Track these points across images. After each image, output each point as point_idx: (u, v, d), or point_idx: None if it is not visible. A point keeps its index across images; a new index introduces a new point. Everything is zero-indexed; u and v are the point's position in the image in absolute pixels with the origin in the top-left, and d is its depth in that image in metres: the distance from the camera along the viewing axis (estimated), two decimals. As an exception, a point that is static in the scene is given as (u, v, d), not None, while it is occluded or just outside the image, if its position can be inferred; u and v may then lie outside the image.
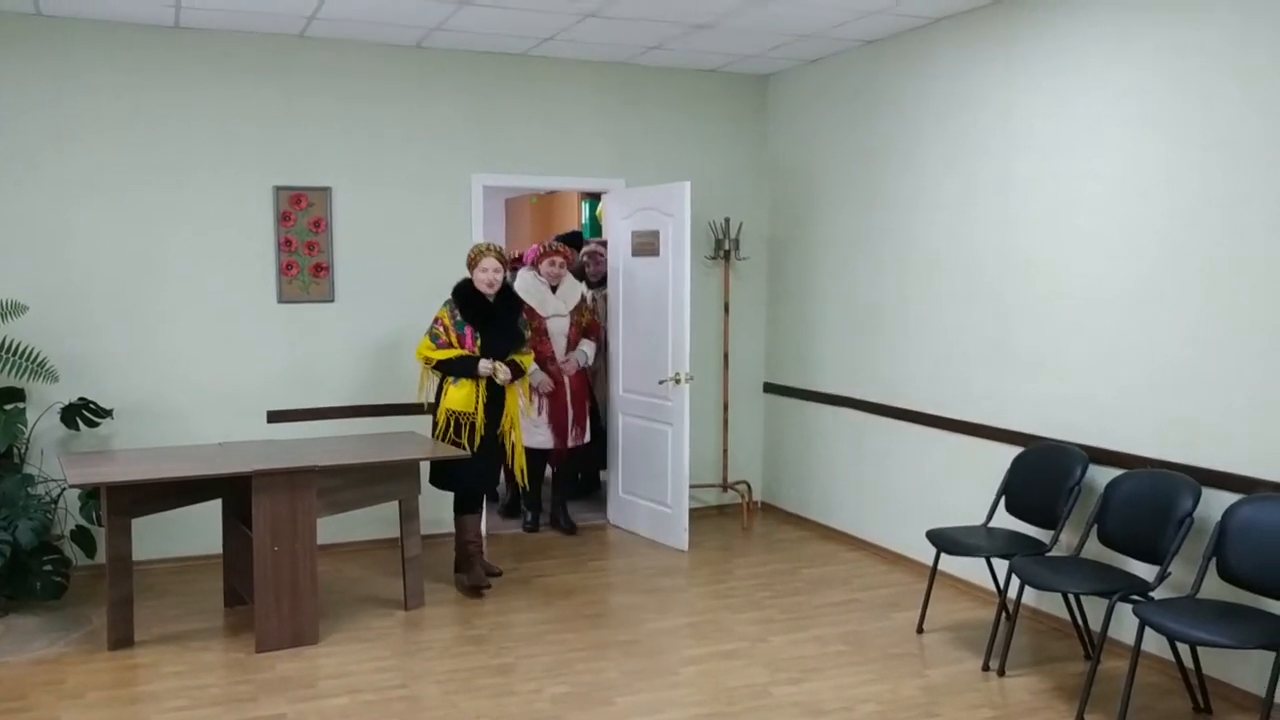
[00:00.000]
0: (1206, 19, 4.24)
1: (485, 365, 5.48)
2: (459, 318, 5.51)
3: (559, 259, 6.58)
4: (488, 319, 5.53)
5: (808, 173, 6.89)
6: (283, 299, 6.23)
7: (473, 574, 5.59)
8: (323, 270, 6.29)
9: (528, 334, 5.81)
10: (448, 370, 5.51)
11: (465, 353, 5.49)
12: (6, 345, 5.42)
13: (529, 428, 6.32)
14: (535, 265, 6.58)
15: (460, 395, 5.49)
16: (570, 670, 4.55)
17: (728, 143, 7.24)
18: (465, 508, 5.69)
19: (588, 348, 6.68)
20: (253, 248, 6.15)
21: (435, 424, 5.61)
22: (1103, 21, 4.71)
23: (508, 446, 5.71)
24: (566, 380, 6.55)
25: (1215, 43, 4.21)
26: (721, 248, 7.09)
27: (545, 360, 6.42)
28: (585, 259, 7.32)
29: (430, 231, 6.48)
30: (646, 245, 6.53)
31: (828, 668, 4.59)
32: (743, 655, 4.75)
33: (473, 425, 5.49)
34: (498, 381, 5.52)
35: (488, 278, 5.50)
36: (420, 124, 6.45)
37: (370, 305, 6.39)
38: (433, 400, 5.66)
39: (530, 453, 6.27)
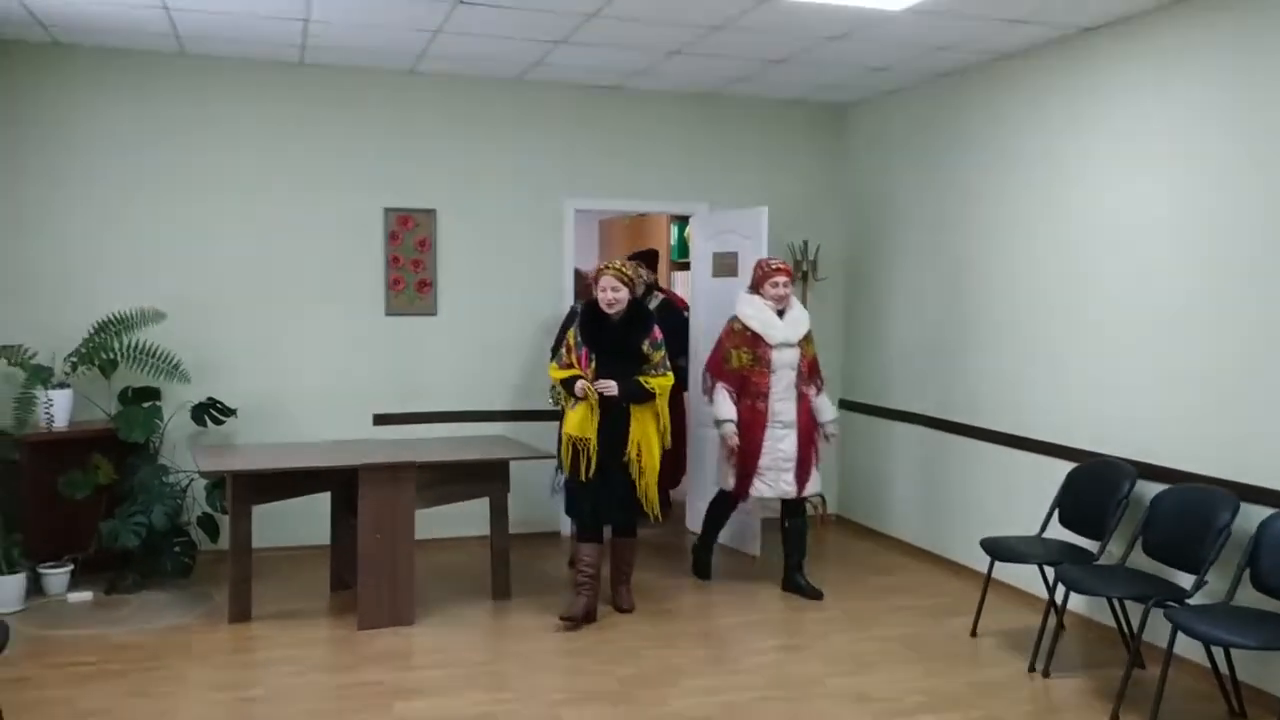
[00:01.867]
0: (1252, 55, 4.47)
1: (579, 385, 5.23)
2: (579, 338, 5.31)
3: (783, 277, 5.82)
4: (605, 340, 5.27)
5: (883, 198, 7.21)
6: (390, 311, 6.78)
7: (571, 603, 5.37)
8: (426, 286, 6.82)
9: (658, 355, 5.32)
10: (565, 390, 5.36)
11: (577, 373, 5.28)
12: (146, 349, 6.06)
13: (772, 477, 5.80)
14: (758, 287, 5.86)
15: (575, 419, 5.27)
16: (640, 656, 4.94)
17: (808, 168, 7.59)
18: (580, 534, 5.45)
19: (823, 400, 5.99)
20: (364, 264, 6.72)
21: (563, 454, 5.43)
22: (1155, 58, 4.97)
23: (635, 475, 5.31)
24: (795, 421, 5.81)
25: (1262, 76, 4.43)
26: (800, 269, 7.42)
27: (757, 396, 5.75)
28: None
29: (525, 250, 6.97)
30: (726, 266, 6.90)
31: (882, 664, 4.89)
32: (804, 649, 5.09)
33: (589, 451, 5.26)
34: (587, 399, 5.22)
35: (606, 297, 5.23)
36: (517, 151, 6.96)
37: (469, 318, 6.90)
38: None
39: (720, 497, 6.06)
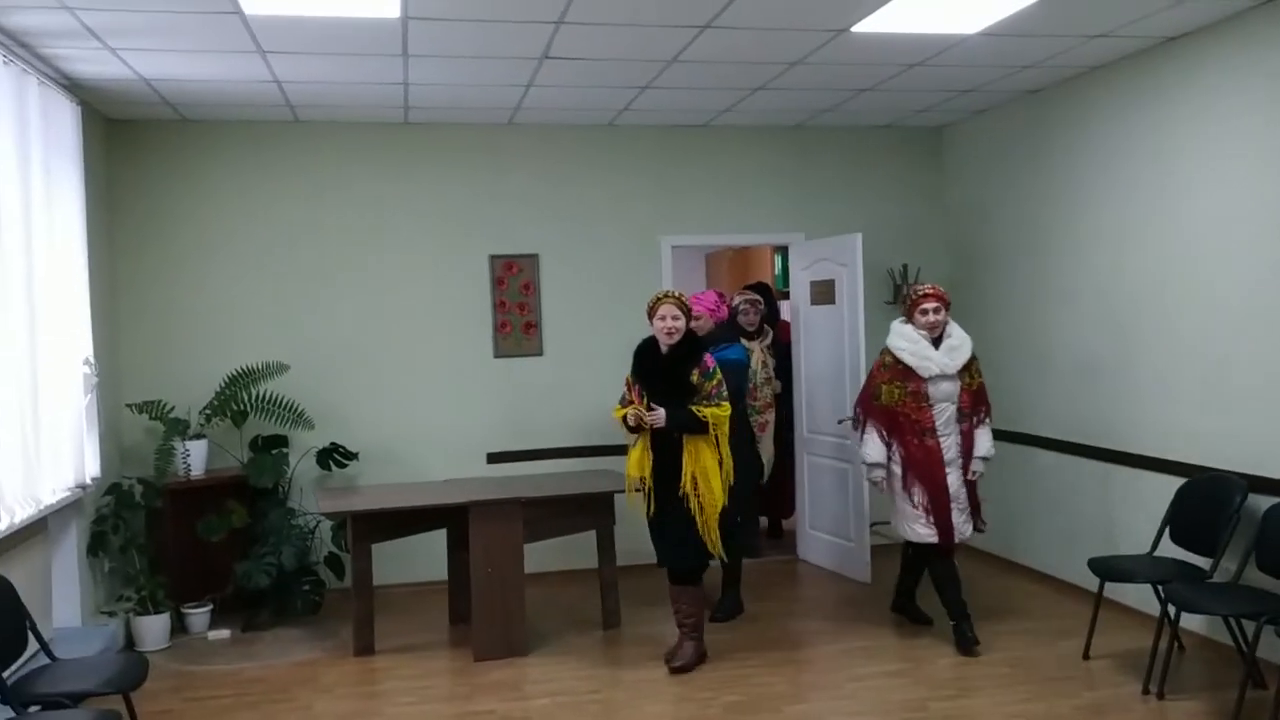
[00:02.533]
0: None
1: (630, 415, 5.03)
2: (632, 375, 5.16)
3: (931, 303, 5.38)
4: (653, 373, 5.08)
5: (981, 218, 7.17)
6: (498, 354, 7.06)
7: (677, 650, 5.23)
8: (532, 328, 7.08)
9: (710, 384, 5.03)
10: (625, 428, 5.15)
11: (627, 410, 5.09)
12: (273, 399, 6.44)
13: (909, 520, 5.44)
14: (909, 316, 5.48)
15: (634, 457, 5.14)
16: (745, 682, 5.01)
17: (903, 192, 7.61)
18: (673, 577, 5.23)
19: (981, 433, 5.47)
20: (472, 309, 7.02)
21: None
22: (1243, 65, 4.88)
23: (694, 512, 5.02)
24: (959, 458, 5.42)
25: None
26: (900, 293, 7.43)
27: (924, 433, 5.36)
28: (742, 307, 6.95)
29: (624, 289, 7.15)
30: (823, 294, 6.96)
31: (988, 688, 4.85)
32: (908, 674, 5.08)
33: (650, 491, 5.11)
34: (636, 426, 5.04)
35: (666, 326, 5.02)
36: (613, 193, 7.18)
37: (574, 357, 7.12)
38: None
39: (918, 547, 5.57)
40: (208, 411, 6.31)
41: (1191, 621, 5.12)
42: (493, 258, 7.03)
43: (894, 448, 5.46)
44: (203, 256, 6.64)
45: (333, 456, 6.58)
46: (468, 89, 5.98)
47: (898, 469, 5.45)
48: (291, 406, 6.50)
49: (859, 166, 7.53)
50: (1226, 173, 5.03)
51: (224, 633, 6.02)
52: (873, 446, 5.50)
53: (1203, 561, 4.90)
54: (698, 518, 5.02)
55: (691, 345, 5.12)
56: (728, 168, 7.35)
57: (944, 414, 5.37)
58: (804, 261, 7.24)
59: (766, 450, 6.92)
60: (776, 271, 9.55)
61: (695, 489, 5.00)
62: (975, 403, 5.44)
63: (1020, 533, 6.83)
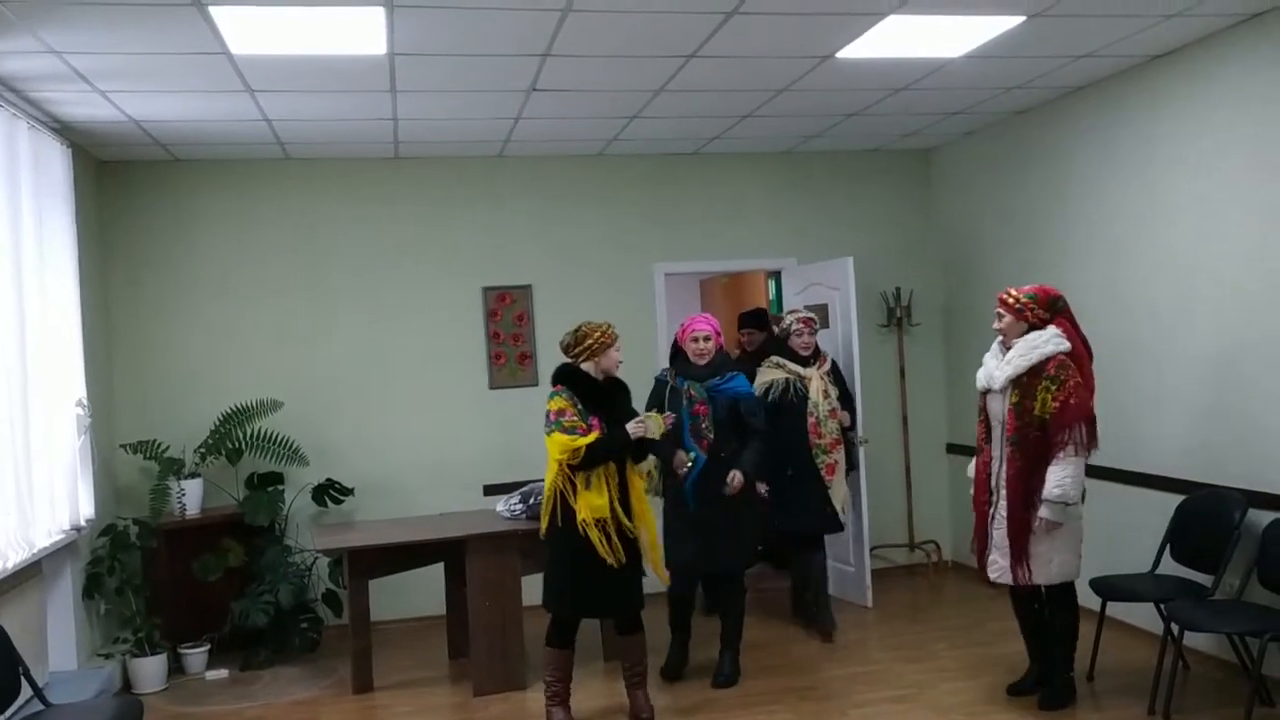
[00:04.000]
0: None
1: (634, 426, 4.73)
2: (580, 406, 4.72)
3: (999, 307, 4.77)
4: (608, 405, 4.80)
5: (973, 239, 7.18)
6: (493, 385, 7.04)
7: (558, 712, 4.87)
8: (527, 359, 7.07)
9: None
10: (600, 454, 4.64)
11: (599, 435, 4.67)
12: (268, 436, 6.43)
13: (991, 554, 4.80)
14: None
15: (596, 500, 4.65)
16: (747, 712, 4.97)
17: (895, 215, 7.63)
18: (556, 639, 4.86)
19: (1053, 470, 4.50)
20: (466, 342, 7.01)
21: (562, 544, 4.72)
22: (1231, 82, 4.90)
23: (642, 549, 4.83)
24: (1003, 488, 4.68)
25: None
26: (894, 316, 7.43)
27: (977, 448, 4.92)
28: (795, 328, 6.11)
29: (619, 318, 6.92)
30: (817, 318, 6.94)
31: (993, 713, 4.81)
32: (910, 700, 5.04)
33: (619, 530, 4.68)
34: (652, 434, 4.78)
35: (620, 357, 4.88)
36: (605, 223, 7.19)
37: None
38: (556, 520, 4.74)
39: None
40: (202, 450, 6.29)
41: (1196, 640, 5.07)
42: (486, 289, 7.04)
43: None
44: (196, 295, 6.63)
45: (328, 492, 6.55)
46: (457, 123, 6.00)
47: None
48: (286, 443, 6.47)
49: (849, 190, 7.56)
50: (1214, 188, 5.04)
51: (222, 673, 5.96)
52: (972, 463, 5.01)
53: (1204, 578, 4.88)
54: (650, 553, 4.86)
55: (618, 379, 4.93)
56: (719, 194, 7.37)
57: (996, 434, 4.77)
58: (797, 286, 7.25)
59: (839, 494, 6.04)
60: (770, 297, 9.55)
61: (645, 522, 4.84)
62: (1043, 428, 4.52)
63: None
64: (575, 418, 4.67)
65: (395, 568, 5.74)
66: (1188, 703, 4.74)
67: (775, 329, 6.33)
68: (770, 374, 6.04)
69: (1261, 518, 4.67)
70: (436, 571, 6.11)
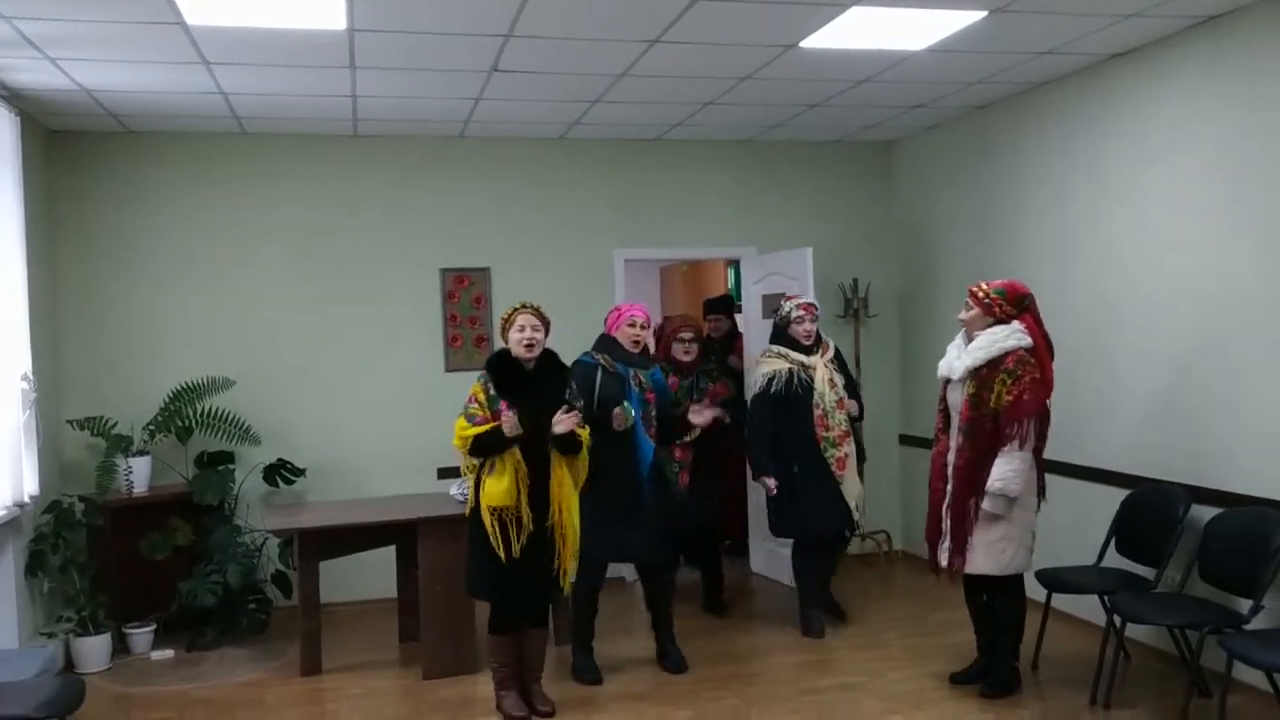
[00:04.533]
0: (1273, 75, 4.46)
1: (506, 420, 4.46)
2: (493, 391, 4.61)
3: (969, 297, 4.79)
4: (525, 389, 4.62)
5: (931, 232, 7.24)
6: (449, 368, 7.00)
7: (509, 698, 4.79)
8: (484, 341, 7.03)
9: (580, 404, 4.73)
10: (479, 448, 4.57)
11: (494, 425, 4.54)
12: (219, 415, 6.35)
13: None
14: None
15: (500, 488, 4.53)
16: (697, 698, 4.99)
17: (854, 206, 7.66)
18: (497, 625, 4.79)
19: (1000, 461, 4.55)
20: (422, 323, 6.96)
21: (474, 527, 4.68)
22: (1187, 82, 4.97)
23: (558, 543, 4.69)
24: (952, 477, 4.76)
25: (1287, 96, 4.43)
26: (851, 307, 7.47)
27: (936, 439, 4.94)
28: (795, 314, 5.85)
29: (577, 303, 7.07)
30: (775, 308, 6.97)
31: (940, 700, 4.87)
32: (859, 688, 5.09)
33: (518, 522, 4.56)
34: (618, 426, 4.78)
35: (525, 337, 4.63)
36: (566, 207, 7.16)
37: (525, 371, 7.07)
38: (473, 503, 4.71)
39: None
40: (151, 428, 6.19)
41: (1137, 631, 5.17)
42: (444, 271, 6.98)
43: None
44: (147, 269, 6.52)
45: (280, 473, 6.48)
46: (417, 101, 5.94)
47: None
48: (237, 422, 6.40)
49: (810, 181, 7.58)
50: (1164, 189, 5.12)
51: (168, 653, 5.89)
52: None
53: (1147, 572, 4.96)
54: (560, 551, 4.69)
55: (558, 363, 4.82)
56: (680, 181, 7.36)
57: (954, 425, 4.81)
58: (755, 275, 7.27)
59: (853, 490, 5.78)
60: (730, 285, 9.58)
61: (561, 519, 4.67)
62: (990, 421, 4.58)
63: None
64: (479, 405, 4.61)
65: (346, 550, 5.69)
66: (1128, 693, 4.83)
67: (775, 317, 6.05)
68: (772, 364, 5.78)
69: (1204, 513, 4.75)
70: (388, 554, 6.07)
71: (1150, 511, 5.00)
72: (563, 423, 4.52)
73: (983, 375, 4.61)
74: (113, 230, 6.46)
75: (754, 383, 5.87)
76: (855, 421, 5.95)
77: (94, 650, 5.66)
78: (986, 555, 4.65)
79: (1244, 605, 4.34)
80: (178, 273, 6.57)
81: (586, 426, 4.73)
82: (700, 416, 5.23)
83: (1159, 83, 5.15)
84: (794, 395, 5.69)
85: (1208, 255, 4.89)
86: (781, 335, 5.87)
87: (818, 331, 5.87)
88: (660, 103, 6.12)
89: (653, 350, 6.12)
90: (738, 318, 7.76)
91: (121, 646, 5.90)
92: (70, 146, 6.36)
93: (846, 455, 5.75)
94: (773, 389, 5.70)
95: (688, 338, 6.16)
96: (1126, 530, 5.12)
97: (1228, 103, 4.75)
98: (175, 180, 6.57)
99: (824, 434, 5.70)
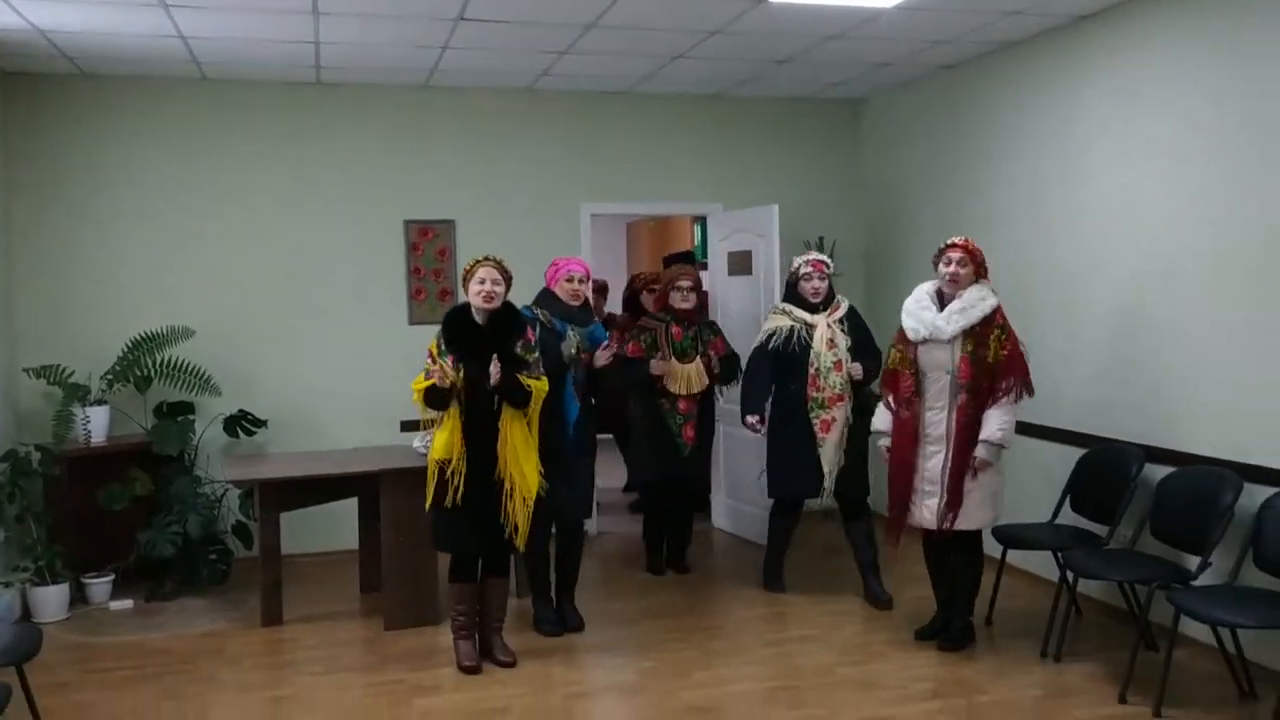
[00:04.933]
0: (1242, 41, 4.49)
1: (436, 372, 4.52)
2: (443, 347, 4.64)
3: (956, 253, 4.76)
4: (475, 344, 4.62)
5: (898, 191, 7.25)
6: (413, 321, 6.95)
7: (464, 647, 4.84)
8: (448, 295, 6.98)
9: (532, 356, 4.73)
10: (431, 401, 4.62)
11: (432, 381, 4.56)
12: (178, 365, 6.28)
13: (916, 501, 4.84)
14: (934, 268, 4.89)
15: (441, 440, 4.62)
16: (659, 650, 5.04)
17: (822, 164, 7.66)
18: (456, 574, 4.85)
19: (993, 414, 4.66)
20: (386, 275, 6.90)
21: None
22: (1153, 46, 4.99)
23: (504, 499, 4.66)
24: (945, 437, 4.74)
25: (1252, 60, 4.45)
26: (816, 265, 7.48)
27: (901, 403, 4.84)
28: (804, 271, 5.69)
29: (542, 256, 6.94)
30: (741, 265, 6.98)
31: (894, 653, 4.95)
32: (816, 640, 5.16)
33: (462, 475, 4.59)
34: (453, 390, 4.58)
35: (484, 290, 4.60)
36: (532, 159, 7.10)
37: (490, 325, 7.04)
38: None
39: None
40: (109, 377, 6.12)
41: (1089, 587, 5.29)
42: (408, 223, 6.92)
43: None
44: (104, 217, 6.41)
45: (240, 424, 6.44)
46: (381, 49, 5.85)
47: None
48: (198, 372, 6.34)
49: (778, 138, 7.56)
50: (1128, 152, 5.15)
51: (126, 603, 5.87)
52: (879, 414, 5.02)
53: (1101, 529, 5.04)
54: (506, 504, 4.67)
55: (512, 315, 4.75)
56: (648, 136, 7.31)
57: (935, 384, 4.74)
58: (722, 232, 7.26)
59: (829, 457, 5.55)
60: (696, 242, 9.57)
61: (509, 473, 4.66)
62: (992, 376, 4.65)
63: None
64: (432, 359, 4.62)
65: (307, 501, 5.67)
66: (1078, 646, 4.93)
67: (788, 273, 5.87)
68: (775, 321, 5.70)
69: (1157, 472, 4.84)
70: (350, 506, 6.06)
71: (1105, 470, 5.08)
72: (493, 374, 4.53)
73: (978, 333, 4.67)
74: (69, 175, 6.34)
75: (757, 338, 5.80)
76: (862, 385, 5.65)
77: (51, 600, 5.63)
78: (980, 509, 4.76)
79: (1193, 562, 4.43)
80: (136, 221, 6.46)
81: (543, 378, 4.74)
82: (601, 358, 5.15)
83: (1124, 45, 5.16)
84: (790, 354, 5.58)
85: (1165, 220, 4.94)
86: (791, 292, 5.75)
87: (830, 289, 5.71)
88: (629, 54, 6.06)
89: (653, 306, 6.37)
90: (703, 275, 7.74)
91: (80, 596, 5.87)
92: (23, 89, 6.20)
93: (833, 419, 5.55)
94: (771, 344, 5.63)
95: (686, 286, 6.10)
96: (1081, 488, 5.20)
97: (1189, 67, 4.78)
98: (133, 126, 6.45)
99: (814, 394, 5.54)
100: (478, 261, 4.73)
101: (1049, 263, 5.73)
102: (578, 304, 5.20)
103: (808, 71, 6.59)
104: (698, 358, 6.10)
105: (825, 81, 6.94)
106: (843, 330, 5.63)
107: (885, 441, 4.95)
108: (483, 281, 4.63)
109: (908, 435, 4.81)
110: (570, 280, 5.17)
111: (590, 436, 5.39)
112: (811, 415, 5.55)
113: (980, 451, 4.66)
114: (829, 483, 5.59)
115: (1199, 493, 4.48)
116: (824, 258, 5.80)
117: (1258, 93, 4.43)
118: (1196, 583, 4.30)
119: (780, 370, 5.65)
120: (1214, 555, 4.31)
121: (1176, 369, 4.90)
